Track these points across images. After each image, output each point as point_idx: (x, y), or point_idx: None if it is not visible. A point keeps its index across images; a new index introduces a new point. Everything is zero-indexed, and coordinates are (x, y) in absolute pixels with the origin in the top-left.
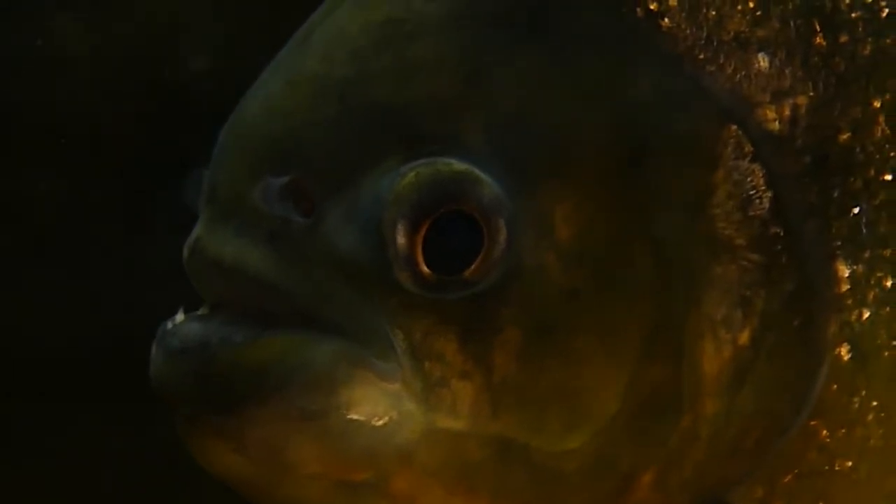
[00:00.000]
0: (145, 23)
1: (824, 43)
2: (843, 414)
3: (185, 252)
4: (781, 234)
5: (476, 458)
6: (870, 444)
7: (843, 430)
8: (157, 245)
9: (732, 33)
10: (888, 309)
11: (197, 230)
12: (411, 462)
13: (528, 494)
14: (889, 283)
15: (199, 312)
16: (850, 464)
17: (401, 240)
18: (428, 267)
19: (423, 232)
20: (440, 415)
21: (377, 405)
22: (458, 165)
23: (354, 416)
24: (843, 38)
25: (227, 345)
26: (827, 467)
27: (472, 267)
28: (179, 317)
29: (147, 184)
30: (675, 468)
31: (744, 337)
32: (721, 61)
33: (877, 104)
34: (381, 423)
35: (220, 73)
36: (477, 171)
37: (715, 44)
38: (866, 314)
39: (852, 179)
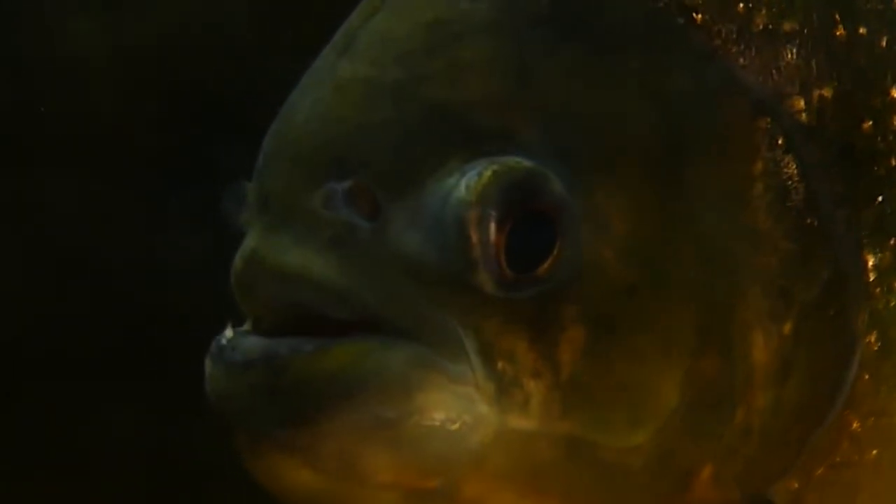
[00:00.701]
0: (162, 24)
1: (845, 33)
2: (874, 403)
3: (239, 264)
4: (816, 224)
5: (546, 458)
6: None
7: (873, 420)
8: (177, 246)
9: (761, 25)
10: None
11: (251, 241)
12: (483, 466)
13: (596, 493)
14: None
15: (246, 326)
16: (879, 453)
17: (486, 239)
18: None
19: (506, 231)
20: (512, 416)
21: (451, 409)
22: (527, 163)
23: (429, 422)
24: (863, 29)
25: (297, 355)
26: (858, 457)
27: (546, 265)
28: (229, 332)
29: (165, 185)
30: (730, 462)
31: (787, 328)
32: (752, 54)
33: (892, 93)
34: (454, 427)
35: (238, 74)
36: (544, 168)
37: (745, 36)
38: (893, 302)
39: (876, 168)
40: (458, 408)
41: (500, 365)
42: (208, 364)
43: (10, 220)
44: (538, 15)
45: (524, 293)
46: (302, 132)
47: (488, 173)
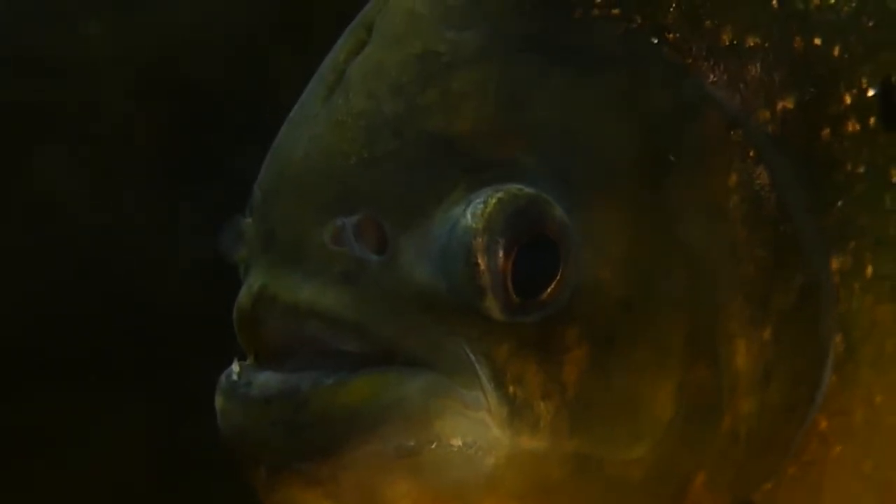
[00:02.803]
0: (170, 25)
1: (804, 45)
2: (841, 402)
3: (245, 301)
4: (788, 232)
5: (556, 477)
6: (863, 432)
7: (840, 418)
8: (182, 245)
9: (727, 41)
10: (871, 297)
11: (257, 278)
12: (497, 489)
13: None
14: (870, 272)
15: (250, 360)
16: (843, 450)
17: (494, 266)
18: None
19: (513, 257)
20: (524, 437)
21: (467, 434)
22: (529, 190)
23: (447, 448)
24: (819, 40)
25: (318, 388)
26: (824, 456)
27: (550, 289)
28: (236, 366)
29: (172, 184)
30: (721, 469)
31: (766, 334)
32: (720, 69)
33: (849, 101)
34: (471, 452)
35: (246, 75)
36: (544, 194)
37: (714, 52)
38: (855, 304)
39: (836, 175)
40: (473, 434)
41: (511, 389)
42: (220, 400)
43: (18, 220)
44: (523, 40)
45: (530, 317)
46: (303, 168)
47: (493, 201)
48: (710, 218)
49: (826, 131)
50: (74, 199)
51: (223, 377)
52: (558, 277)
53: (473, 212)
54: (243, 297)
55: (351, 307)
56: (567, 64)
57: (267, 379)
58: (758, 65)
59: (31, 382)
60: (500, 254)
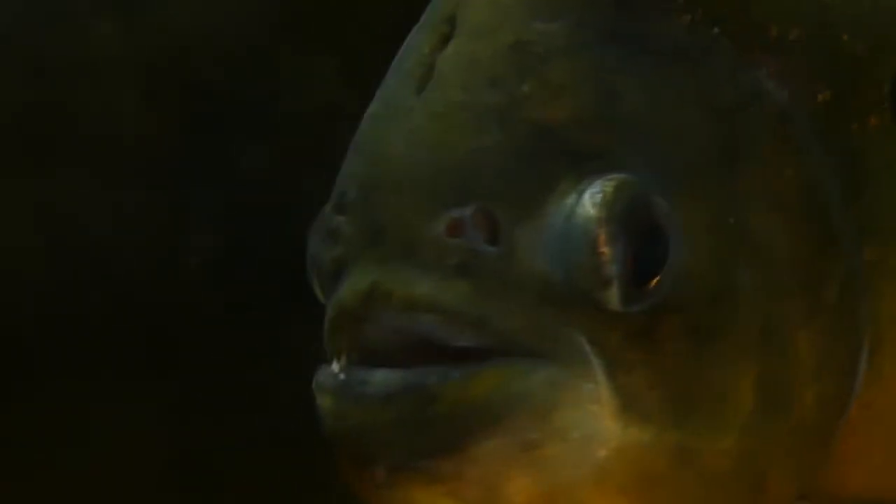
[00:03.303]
0: (180, 24)
1: (838, 36)
2: (869, 394)
3: (352, 300)
4: (831, 225)
5: (659, 469)
6: (888, 423)
7: (868, 411)
8: (186, 245)
9: (775, 32)
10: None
11: (363, 276)
12: (606, 482)
13: (696, 498)
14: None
15: (342, 361)
16: (870, 441)
17: (619, 256)
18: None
19: (634, 246)
20: (633, 430)
21: (585, 428)
22: (634, 179)
23: (567, 443)
24: (849, 33)
25: (447, 383)
26: (857, 447)
27: (658, 278)
28: (336, 367)
29: (180, 185)
30: (791, 461)
31: (819, 325)
32: (772, 60)
33: (877, 93)
34: (587, 445)
35: (248, 74)
36: (649, 183)
37: (766, 44)
38: (883, 297)
39: (871, 167)
40: (590, 425)
41: (622, 380)
42: (329, 400)
43: (18, 219)
44: (605, 32)
45: (640, 307)
46: (408, 161)
47: (610, 190)
48: (771, 210)
49: (857, 124)
50: (76, 197)
51: (325, 377)
52: (667, 266)
53: (593, 201)
54: (347, 295)
55: (471, 300)
56: (645, 55)
57: (386, 376)
58: (801, 56)
59: (31, 382)
60: (624, 243)
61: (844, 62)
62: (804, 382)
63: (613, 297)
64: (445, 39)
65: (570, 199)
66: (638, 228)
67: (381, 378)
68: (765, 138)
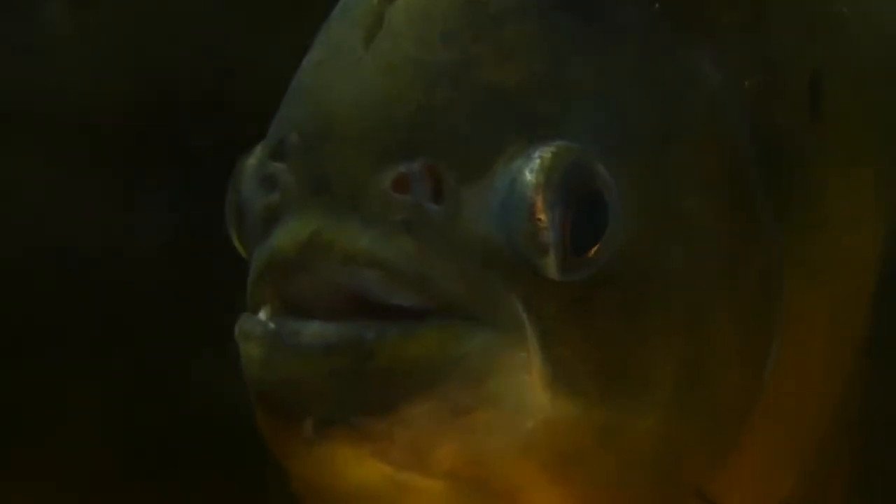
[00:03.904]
0: (134, 9)
1: (769, 28)
2: (776, 384)
3: (289, 247)
4: (754, 211)
5: (582, 445)
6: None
7: (775, 401)
8: (146, 230)
9: (715, 16)
10: (807, 283)
11: (305, 225)
12: (530, 455)
13: (613, 479)
14: (807, 259)
15: (266, 311)
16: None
17: (555, 223)
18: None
19: (571, 214)
20: (560, 402)
21: (516, 397)
22: (577, 147)
23: (498, 411)
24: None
25: (386, 338)
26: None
27: (597, 247)
28: (264, 315)
29: (136, 170)
30: (703, 448)
31: (739, 311)
32: (711, 43)
33: (795, 89)
34: (517, 414)
35: (203, 56)
36: (592, 153)
37: (705, 26)
38: (802, 285)
39: (785, 157)
40: (521, 395)
41: (554, 350)
42: (257, 349)
43: None
44: (559, 2)
45: (577, 276)
46: (358, 112)
47: (550, 157)
48: (699, 191)
49: (779, 115)
50: (31, 180)
51: (251, 325)
52: (606, 235)
53: (534, 167)
54: (283, 241)
55: (414, 259)
56: (593, 26)
57: (322, 329)
58: (734, 42)
59: None
60: (561, 210)
61: (773, 52)
62: (722, 367)
63: (551, 264)
64: None
65: (516, 164)
66: (577, 197)
67: (317, 330)
68: (697, 120)
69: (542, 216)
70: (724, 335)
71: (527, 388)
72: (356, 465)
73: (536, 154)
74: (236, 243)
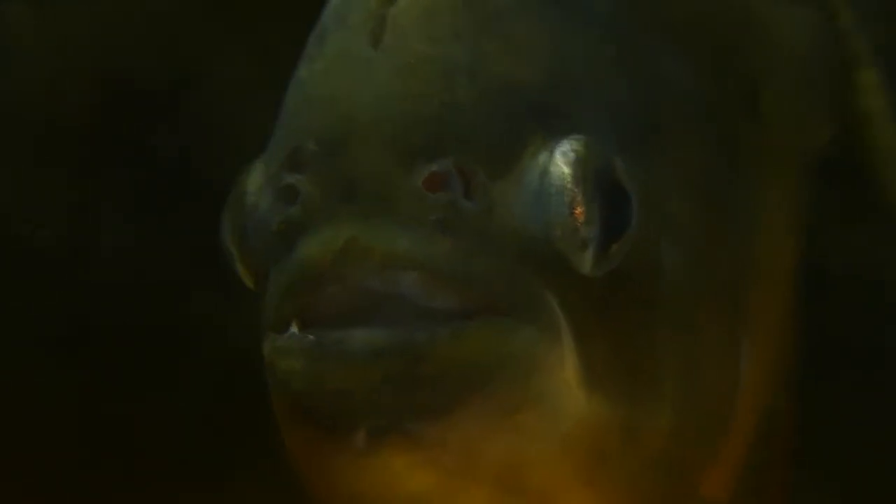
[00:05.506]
0: (96, 10)
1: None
2: None
3: (322, 258)
4: (728, 211)
5: (610, 445)
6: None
7: None
8: (106, 233)
9: (680, 14)
10: None
11: (338, 233)
12: (567, 455)
13: (633, 480)
14: None
15: (294, 327)
16: None
17: (595, 217)
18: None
19: (604, 207)
20: (594, 402)
21: (557, 396)
22: (599, 142)
23: (541, 410)
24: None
25: (436, 341)
26: None
27: (621, 241)
28: (295, 328)
29: (97, 173)
30: (702, 450)
31: (723, 315)
32: (678, 40)
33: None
34: (557, 415)
35: (168, 59)
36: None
37: (672, 24)
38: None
39: (741, 159)
40: (561, 393)
41: (586, 348)
42: (299, 364)
43: None
44: None
45: (602, 271)
46: (380, 114)
47: (582, 149)
48: (683, 189)
49: (734, 115)
50: None
51: (286, 341)
52: (631, 229)
53: (566, 159)
54: (314, 252)
55: (454, 259)
56: (581, 22)
57: (370, 335)
58: (701, 41)
59: None
60: (599, 203)
61: (727, 53)
62: (716, 363)
63: (587, 259)
64: None
65: (543, 157)
66: (607, 189)
67: (364, 336)
68: (677, 117)
69: (581, 209)
70: (715, 330)
71: (565, 387)
72: (409, 474)
73: (566, 147)
74: (238, 265)
